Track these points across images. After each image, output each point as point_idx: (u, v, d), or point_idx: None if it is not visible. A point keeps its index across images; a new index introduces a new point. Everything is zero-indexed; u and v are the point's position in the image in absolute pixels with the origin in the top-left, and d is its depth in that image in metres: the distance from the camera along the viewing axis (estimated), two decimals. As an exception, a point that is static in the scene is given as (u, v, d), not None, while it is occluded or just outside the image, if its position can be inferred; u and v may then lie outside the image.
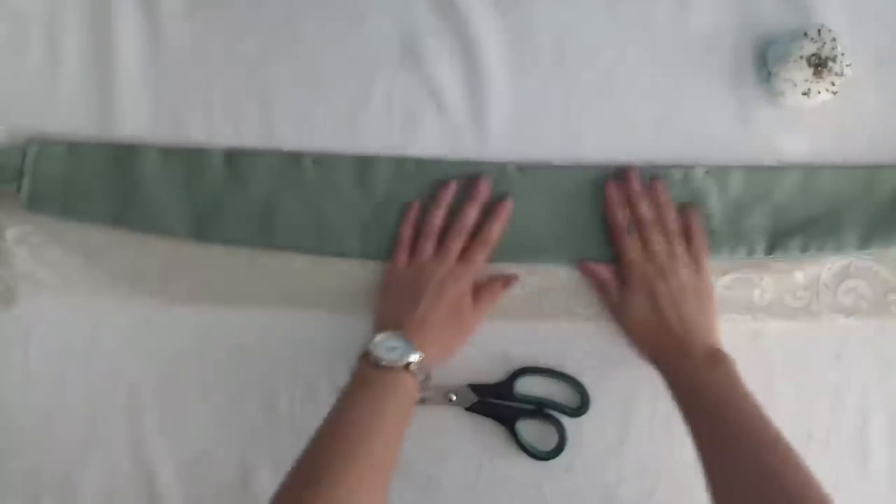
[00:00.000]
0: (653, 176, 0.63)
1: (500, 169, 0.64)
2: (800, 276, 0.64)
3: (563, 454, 0.63)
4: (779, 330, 0.65)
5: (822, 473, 0.63)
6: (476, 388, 0.64)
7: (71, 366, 0.65)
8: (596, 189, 0.64)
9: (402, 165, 0.65)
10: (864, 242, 0.63)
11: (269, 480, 0.64)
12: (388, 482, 0.51)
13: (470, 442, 0.64)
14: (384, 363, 0.56)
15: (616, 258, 0.63)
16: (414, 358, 0.56)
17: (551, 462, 0.63)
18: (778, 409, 0.63)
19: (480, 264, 0.62)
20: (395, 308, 0.61)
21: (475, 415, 0.64)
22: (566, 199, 0.64)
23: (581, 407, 0.64)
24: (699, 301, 0.60)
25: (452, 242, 0.62)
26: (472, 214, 0.63)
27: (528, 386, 0.64)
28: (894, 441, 0.64)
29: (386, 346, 0.56)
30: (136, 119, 0.66)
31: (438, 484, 0.64)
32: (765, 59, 0.65)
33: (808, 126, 0.65)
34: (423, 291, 0.60)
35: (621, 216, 0.62)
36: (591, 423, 0.64)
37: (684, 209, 0.63)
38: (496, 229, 0.63)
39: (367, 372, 0.56)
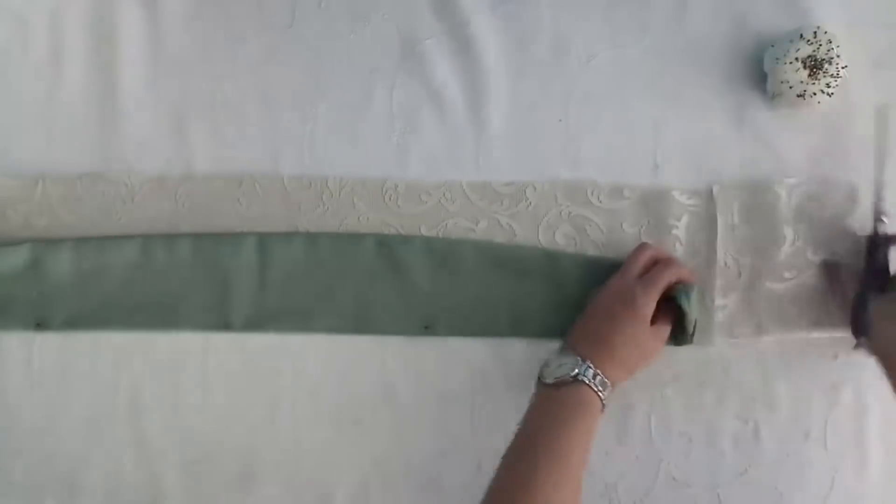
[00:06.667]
0: None
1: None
2: None
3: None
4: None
5: (819, 471, 0.64)
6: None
7: (74, 365, 0.65)
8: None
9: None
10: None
11: (270, 480, 0.64)
12: (579, 485, 0.53)
13: (469, 441, 0.64)
14: (551, 381, 0.57)
15: None
16: (580, 369, 0.57)
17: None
18: (775, 409, 0.64)
19: (661, 283, 0.59)
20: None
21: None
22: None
23: None
24: None
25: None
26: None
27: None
28: (890, 439, 0.64)
29: (554, 364, 0.58)
30: (138, 120, 0.66)
31: (438, 483, 0.64)
32: (761, 61, 0.65)
33: (804, 127, 0.65)
34: (596, 308, 0.60)
35: None
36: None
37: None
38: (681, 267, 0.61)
39: (541, 390, 0.58)
